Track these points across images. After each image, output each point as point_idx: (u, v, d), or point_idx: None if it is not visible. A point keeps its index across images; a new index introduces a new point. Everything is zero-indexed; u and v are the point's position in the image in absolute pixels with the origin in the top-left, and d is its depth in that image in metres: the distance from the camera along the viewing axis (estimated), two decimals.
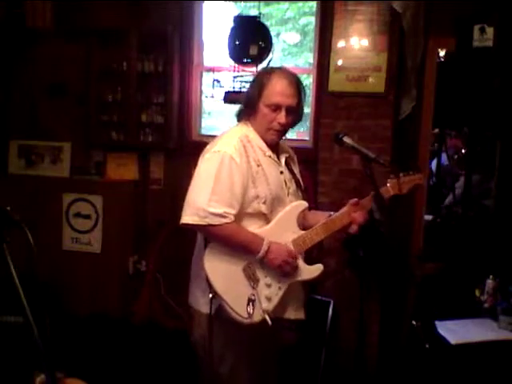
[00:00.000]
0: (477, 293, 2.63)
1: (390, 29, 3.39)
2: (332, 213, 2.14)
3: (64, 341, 3.12)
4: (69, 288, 4.00)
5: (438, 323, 2.42)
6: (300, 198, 2.18)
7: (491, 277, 2.60)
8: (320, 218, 2.16)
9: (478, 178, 4.35)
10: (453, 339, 2.28)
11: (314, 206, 3.58)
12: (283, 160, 2.16)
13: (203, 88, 4.23)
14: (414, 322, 2.60)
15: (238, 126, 2.14)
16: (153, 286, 4.09)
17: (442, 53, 3.66)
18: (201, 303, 2.07)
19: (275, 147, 2.15)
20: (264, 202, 2.02)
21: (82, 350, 3.47)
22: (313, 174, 3.64)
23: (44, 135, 4.31)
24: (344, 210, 2.12)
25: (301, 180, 2.25)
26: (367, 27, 3.42)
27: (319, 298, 3.40)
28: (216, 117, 4.82)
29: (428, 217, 4.09)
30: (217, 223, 1.93)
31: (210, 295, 1.98)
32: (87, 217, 4.10)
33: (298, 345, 3.15)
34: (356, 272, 3.34)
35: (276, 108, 2.02)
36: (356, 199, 2.12)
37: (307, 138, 3.98)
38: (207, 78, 4.20)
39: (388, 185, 2.11)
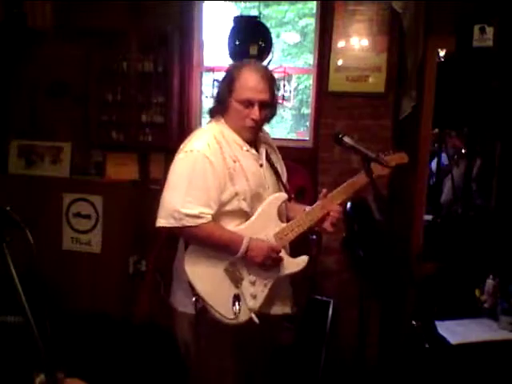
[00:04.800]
0: (477, 293, 2.63)
1: (390, 29, 3.39)
2: (308, 207, 2.09)
3: (64, 341, 3.11)
4: (69, 288, 3.99)
5: (438, 323, 2.42)
6: (280, 190, 2.12)
7: (491, 277, 2.60)
8: (299, 210, 2.10)
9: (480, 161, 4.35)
10: (453, 339, 2.28)
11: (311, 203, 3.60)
12: (263, 152, 2.09)
13: (203, 88, 4.23)
14: (413, 322, 2.59)
15: (211, 123, 2.08)
16: (153, 286, 4.08)
17: (442, 53, 3.66)
18: (183, 304, 2.03)
19: (253, 140, 2.08)
20: (244, 199, 1.96)
21: (82, 350, 3.46)
22: (313, 173, 3.65)
23: (44, 135, 4.30)
24: (319, 202, 2.06)
25: (282, 170, 2.19)
26: (367, 27, 3.42)
27: (319, 298, 3.40)
28: None
29: (428, 217, 4.09)
30: (193, 224, 1.89)
31: (194, 298, 1.93)
32: (87, 217, 4.10)
33: (298, 344, 3.15)
34: (356, 272, 3.35)
35: (248, 104, 1.96)
36: (325, 191, 2.07)
37: (307, 138, 3.98)
38: (207, 77, 4.20)
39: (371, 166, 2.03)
